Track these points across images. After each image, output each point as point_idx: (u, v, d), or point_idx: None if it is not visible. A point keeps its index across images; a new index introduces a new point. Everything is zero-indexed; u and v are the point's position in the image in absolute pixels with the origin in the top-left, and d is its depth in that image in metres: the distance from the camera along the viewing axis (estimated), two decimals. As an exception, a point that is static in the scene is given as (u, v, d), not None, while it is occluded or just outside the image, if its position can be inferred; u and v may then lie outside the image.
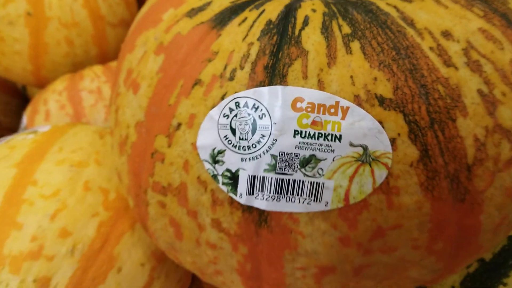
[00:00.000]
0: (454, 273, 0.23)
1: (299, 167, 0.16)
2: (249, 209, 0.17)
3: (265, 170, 0.16)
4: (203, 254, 0.20)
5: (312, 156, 0.16)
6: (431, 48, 0.16)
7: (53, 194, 0.26)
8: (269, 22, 0.17)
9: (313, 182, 0.16)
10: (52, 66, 0.51)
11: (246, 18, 0.18)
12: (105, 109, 0.43)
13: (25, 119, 0.46)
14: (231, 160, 0.16)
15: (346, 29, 0.16)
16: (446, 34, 0.16)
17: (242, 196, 0.16)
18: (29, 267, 0.24)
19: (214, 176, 0.17)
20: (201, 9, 0.19)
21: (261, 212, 0.17)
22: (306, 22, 0.17)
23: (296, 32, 0.17)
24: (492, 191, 0.17)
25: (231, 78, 0.16)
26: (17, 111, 0.74)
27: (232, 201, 0.17)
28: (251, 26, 0.17)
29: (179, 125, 0.18)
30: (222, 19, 0.18)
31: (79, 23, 0.48)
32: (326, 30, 0.16)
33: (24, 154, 0.28)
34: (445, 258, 0.19)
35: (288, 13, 0.17)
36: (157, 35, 0.19)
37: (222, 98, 0.16)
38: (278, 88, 0.16)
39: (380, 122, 0.16)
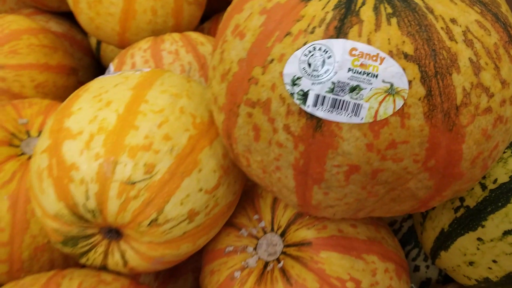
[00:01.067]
0: (439, 200, 0.32)
1: (348, 92, 0.25)
2: (311, 117, 0.26)
3: (326, 91, 0.26)
4: (271, 153, 0.29)
5: (357, 85, 0.25)
6: (441, 28, 0.25)
7: (160, 111, 0.36)
8: (340, 0, 0.27)
9: (356, 103, 0.25)
10: (136, 30, 0.61)
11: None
12: (180, 68, 0.53)
13: (112, 67, 0.57)
14: (304, 84, 0.26)
15: (389, 10, 0.26)
16: (453, 21, 0.25)
17: (309, 107, 0.26)
18: (142, 155, 0.34)
19: (291, 94, 0.26)
20: (292, -12, 0.28)
21: (318, 120, 0.26)
22: (363, 3, 0.26)
23: (357, 8, 0.26)
24: (471, 128, 0.26)
25: (312, 32, 0.26)
26: (88, 67, 0.85)
27: (300, 111, 0.27)
28: (328, 2, 0.27)
29: (272, 60, 0.27)
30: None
31: (164, -4, 0.59)
32: (376, 9, 0.26)
33: (136, 82, 0.39)
34: (435, 177, 0.28)
35: (352, -4, 0.27)
36: (261, 2, 0.29)
37: (304, 44, 0.26)
38: (342, 41, 0.25)
39: (403, 69, 0.25)
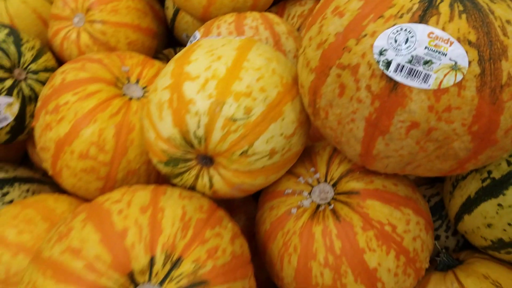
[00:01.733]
0: (474, 164, 0.41)
1: (422, 64, 0.34)
2: (390, 80, 0.35)
3: (405, 61, 0.35)
4: (350, 107, 0.39)
5: (430, 60, 0.34)
6: (498, 26, 0.34)
7: (258, 69, 0.45)
8: (423, -4, 0.36)
9: (426, 73, 0.34)
10: (219, 5, 0.71)
11: (410, -7, 0.36)
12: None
13: (198, 34, 0.67)
14: (389, 54, 0.35)
15: (460, 8, 0.35)
16: (508, 21, 0.34)
17: (390, 72, 0.35)
18: (243, 100, 0.43)
19: (377, 62, 0.35)
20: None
21: (395, 83, 0.35)
22: (442, 0, 0.35)
23: (437, 4, 0.35)
24: (510, 104, 0.35)
25: (400, 17, 0.35)
26: (161, 34, 0.95)
27: (382, 75, 0.36)
28: (414, -4, 0.36)
29: (366, 35, 0.36)
30: (399, -10, 0.36)
31: (248, -20, 0.68)
32: (451, 6, 0.35)
33: (238, 45, 0.48)
34: (476, 140, 0.37)
35: (432, -5, 0.36)
36: (360, -9, 0.38)
37: (393, 25, 0.35)
38: (423, 26, 0.34)
39: (466, 52, 0.34)
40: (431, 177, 0.68)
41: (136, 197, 0.42)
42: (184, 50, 0.49)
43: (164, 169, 0.49)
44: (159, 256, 0.38)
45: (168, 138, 0.45)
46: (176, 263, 0.39)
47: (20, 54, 0.64)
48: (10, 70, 0.63)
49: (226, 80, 0.44)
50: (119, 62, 0.62)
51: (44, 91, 0.58)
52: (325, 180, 0.52)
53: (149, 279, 0.38)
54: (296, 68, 0.49)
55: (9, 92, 0.61)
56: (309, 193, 0.52)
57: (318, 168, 0.53)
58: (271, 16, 0.67)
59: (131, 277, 0.37)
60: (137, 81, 0.62)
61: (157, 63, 0.65)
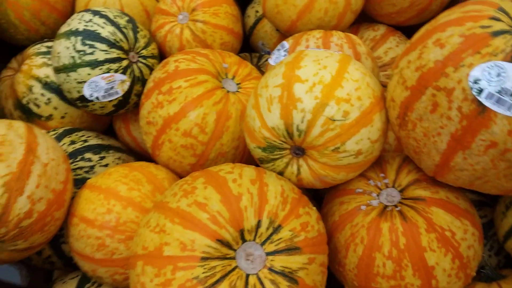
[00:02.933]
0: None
1: (509, 95, 0.42)
2: (480, 104, 0.43)
3: (495, 91, 0.42)
4: (439, 122, 0.46)
5: (517, 93, 0.42)
6: None
7: (356, 81, 0.54)
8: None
9: (511, 104, 0.42)
10: (306, 22, 0.79)
11: (505, 37, 0.44)
12: (342, 57, 0.71)
13: (286, 44, 0.76)
14: (482, 84, 0.43)
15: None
16: None
17: (481, 98, 0.43)
18: (343, 104, 0.52)
19: (471, 88, 0.43)
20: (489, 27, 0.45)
21: (484, 107, 0.43)
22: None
23: (528, 48, 0.43)
24: None
25: (495, 55, 0.43)
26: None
27: (473, 99, 0.43)
28: (509, 40, 0.43)
29: (463, 65, 0.44)
30: (496, 33, 0.44)
31: (337, 3, 0.77)
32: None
33: (339, 59, 0.57)
34: (543, 165, 0.44)
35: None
36: (462, 29, 0.46)
37: (488, 61, 0.43)
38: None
39: (549, 91, 0.41)
40: (479, 201, 0.74)
41: (245, 171, 0.51)
42: (293, 56, 0.58)
43: (259, 154, 0.58)
44: (265, 221, 0.47)
45: (273, 127, 0.54)
46: (276, 229, 0.47)
47: (136, 39, 0.75)
48: (126, 53, 0.73)
49: (330, 86, 0.52)
50: (220, 59, 0.71)
51: (158, 74, 0.68)
52: (393, 186, 0.60)
53: (254, 239, 0.46)
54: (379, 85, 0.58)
55: (124, 71, 0.72)
56: (378, 195, 0.59)
57: (388, 175, 0.61)
58: (354, 37, 0.75)
59: (241, 233, 0.46)
60: (233, 78, 0.71)
61: (249, 65, 0.75)
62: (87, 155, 0.73)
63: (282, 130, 0.53)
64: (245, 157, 0.70)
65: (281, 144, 0.55)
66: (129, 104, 0.77)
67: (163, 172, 0.66)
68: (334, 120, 0.51)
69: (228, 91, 0.68)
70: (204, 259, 0.43)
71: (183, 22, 0.81)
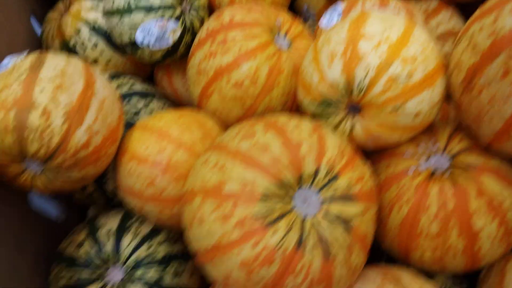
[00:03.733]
0: None
1: None
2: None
3: None
4: (508, 89, 0.46)
5: None
6: None
7: (421, 43, 0.53)
8: None
9: None
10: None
11: None
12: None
13: (340, 8, 0.75)
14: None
15: None
16: None
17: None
18: (408, 65, 0.51)
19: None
20: None
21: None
22: None
23: None
24: None
25: None
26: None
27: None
28: None
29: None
30: None
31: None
32: None
33: (404, 21, 0.56)
34: None
35: None
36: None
37: None
38: None
39: None
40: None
41: (302, 122, 0.51)
42: (357, 14, 0.57)
43: (313, 110, 0.58)
44: (323, 169, 0.47)
45: (332, 83, 0.54)
46: (334, 178, 0.47)
47: (190, -11, 0.74)
48: (180, 2, 0.72)
49: (396, 45, 0.52)
50: (274, 15, 0.71)
51: (212, 25, 0.68)
52: (443, 152, 0.60)
53: (311, 185, 0.47)
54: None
55: (177, 20, 0.71)
56: (426, 160, 0.59)
57: (438, 140, 0.61)
58: (410, 5, 0.74)
59: (299, 179, 0.47)
60: (285, 35, 0.71)
61: (300, 24, 0.74)
62: (134, 99, 0.73)
63: (342, 86, 0.53)
64: (291, 112, 0.70)
65: (338, 100, 0.55)
66: (176, 55, 0.77)
67: (211, 121, 0.67)
68: (398, 80, 0.51)
69: (280, 48, 0.67)
70: (263, 198, 0.44)
71: (235, -24, 0.80)
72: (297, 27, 0.72)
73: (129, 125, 0.71)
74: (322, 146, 0.48)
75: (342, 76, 0.53)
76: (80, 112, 0.53)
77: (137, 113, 0.73)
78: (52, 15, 0.87)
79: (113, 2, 0.71)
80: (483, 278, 0.64)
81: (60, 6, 0.88)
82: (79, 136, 0.53)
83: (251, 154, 0.46)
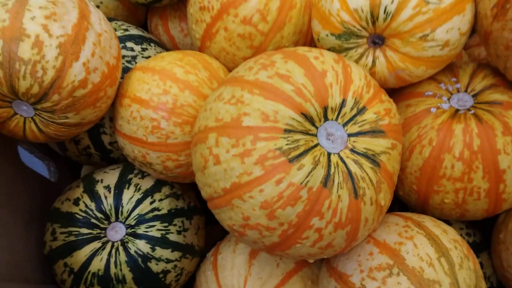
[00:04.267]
0: None
1: None
2: None
3: None
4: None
5: None
6: None
7: None
8: None
9: None
10: None
11: None
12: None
13: None
14: None
15: None
16: None
17: None
18: None
19: None
20: None
21: None
22: None
23: None
24: None
25: None
26: None
27: None
28: None
29: None
30: None
31: None
32: None
33: None
34: None
35: None
36: None
37: None
38: None
39: None
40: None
41: (325, 52, 0.47)
42: None
43: (332, 42, 0.53)
44: (350, 100, 0.43)
45: (355, 9, 0.49)
46: (361, 110, 0.43)
47: None
48: None
49: (426, -36, 0.47)
50: None
51: (215, -46, 0.61)
52: (465, 91, 0.56)
53: (336, 118, 0.43)
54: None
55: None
56: (448, 99, 0.56)
57: (460, 79, 0.57)
58: None
59: (324, 110, 0.42)
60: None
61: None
62: (129, 44, 0.67)
63: (366, 12, 0.48)
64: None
65: (360, 30, 0.50)
66: (173, -8, 0.70)
67: (217, 62, 0.61)
68: (428, 3, 0.46)
69: (290, -20, 0.61)
70: (287, 131, 0.40)
71: None
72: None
73: (126, 71, 0.65)
74: (348, 75, 0.44)
75: (367, 0, 0.48)
76: (76, 45, 0.47)
77: (134, 58, 0.67)
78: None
79: None
80: (502, 222, 0.62)
81: None
82: (76, 71, 0.47)
83: (272, 84, 0.42)
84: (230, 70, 0.65)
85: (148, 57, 0.69)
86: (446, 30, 0.48)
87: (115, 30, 0.68)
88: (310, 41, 0.63)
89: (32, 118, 0.50)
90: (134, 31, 0.71)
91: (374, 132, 0.43)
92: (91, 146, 0.66)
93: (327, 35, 0.53)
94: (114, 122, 0.58)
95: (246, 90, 0.42)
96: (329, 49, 0.54)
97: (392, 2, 0.47)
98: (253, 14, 0.58)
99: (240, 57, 0.62)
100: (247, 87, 0.43)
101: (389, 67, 0.52)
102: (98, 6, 0.75)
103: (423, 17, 0.47)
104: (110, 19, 0.71)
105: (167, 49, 0.82)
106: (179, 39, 0.80)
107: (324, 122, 0.42)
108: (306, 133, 0.41)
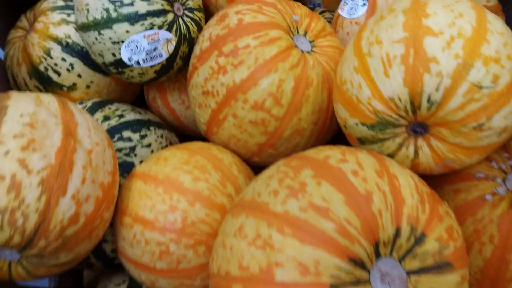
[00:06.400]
0: None
1: None
2: None
3: None
4: None
5: None
6: None
7: (501, 33, 0.40)
8: None
9: None
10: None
11: None
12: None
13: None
14: None
15: None
16: None
17: None
18: (492, 66, 0.38)
19: None
20: None
21: None
22: None
23: None
24: None
25: None
26: None
27: None
28: None
29: None
30: None
31: None
32: None
33: (471, 5, 0.42)
34: None
35: None
36: None
37: None
38: None
39: None
40: None
41: (362, 158, 0.38)
42: (410, 1, 0.43)
43: (363, 133, 0.45)
44: (405, 228, 0.34)
45: (391, 98, 0.40)
46: (419, 239, 0.34)
47: (179, -12, 0.59)
48: (171, 3, 0.58)
49: (473, 40, 0.39)
50: (289, 10, 0.56)
51: (215, 31, 0.53)
52: (524, 168, 0.47)
53: (391, 253, 0.34)
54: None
55: (170, 28, 0.57)
56: (503, 180, 0.47)
57: (515, 153, 0.48)
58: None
59: (376, 247, 0.34)
60: (305, 34, 0.57)
61: (321, 18, 0.60)
62: (126, 133, 0.59)
63: (405, 101, 0.40)
64: (322, 133, 0.57)
65: (398, 120, 0.42)
66: (172, 70, 0.62)
67: (228, 154, 0.53)
68: (481, 87, 0.38)
69: (302, 51, 0.54)
70: (334, 286, 0.31)
71: (231, -35, 0.65)
72: (318, 22, 0.58)
73: (125, 166, 0.57)
74: (398, 193, 0.35)
75: (405, 88, 0.39)
76: (62, 176, 0.39)
77: (133, 149, 0.59)
78: (15, 34, 0.72)
79: (88, 13, 0.56)
80: None
81: (23, 21, 0.73)
82: (64, 208, 0.39)
83: (306, 220, 0.33)
84: (242, 156, 0.57)
85: (149, 144, 0.61)
86: (504, 115, 0.39)
87: (109, 118, 0.61)
88: (331, 117, 0.55)
89: (18, 261, 0.42)
90: (130, 115, 0.63)
91: (440, 268, 0.34)
92: (91, 256, 0.58)
93: (357, 124, 0.45)
94: (115, 241, 0.50)
95: (274, 227, 0.34)
96: (360, 139, 0.46)
97: (437, 90, 0.38)
98: (265, 98, 0.50)
99: (254, 144, 0.54)
100: (275, 223, 0.34)
101: (436, 158, 0.43)
102: (89, 86, 0.68)
103: (477, 104, 0.38)
104: (103, 103, 0.64)
105: (169, 124, 0.75)
106: (180, 112, 0.72)
107: (377, 260, 0.34)
108: (357, 282, 0.32)
